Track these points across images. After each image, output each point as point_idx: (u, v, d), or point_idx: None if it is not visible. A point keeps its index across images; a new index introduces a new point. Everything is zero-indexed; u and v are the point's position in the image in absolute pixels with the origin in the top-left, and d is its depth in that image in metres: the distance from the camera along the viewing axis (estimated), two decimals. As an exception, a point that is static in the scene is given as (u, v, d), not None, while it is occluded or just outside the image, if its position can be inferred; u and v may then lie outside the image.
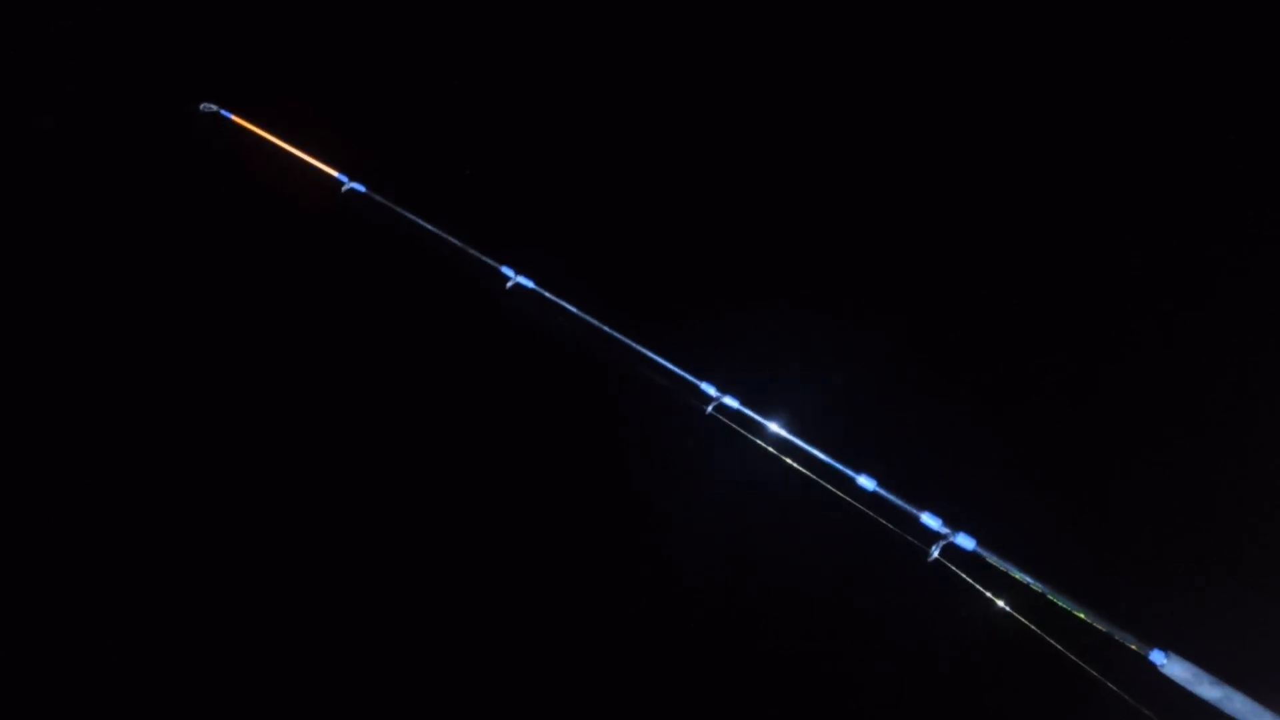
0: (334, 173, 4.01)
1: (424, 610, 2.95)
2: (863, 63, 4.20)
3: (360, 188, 3.96)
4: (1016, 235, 3.41)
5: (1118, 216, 3.45)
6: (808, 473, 3.00)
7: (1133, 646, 2.52)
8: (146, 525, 3.17)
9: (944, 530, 2.79)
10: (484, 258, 3.62)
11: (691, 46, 4.45)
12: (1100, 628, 2.56)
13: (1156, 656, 2.49)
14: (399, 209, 3.82)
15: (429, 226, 3.73)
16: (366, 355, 3.58)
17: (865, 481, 2.91)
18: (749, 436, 3.11)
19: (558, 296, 3.48)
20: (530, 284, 3.53)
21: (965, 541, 2.75)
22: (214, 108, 4.42)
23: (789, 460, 3.04)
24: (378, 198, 3.89)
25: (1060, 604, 2.62)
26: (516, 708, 2.76)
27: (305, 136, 4.13)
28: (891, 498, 2.88)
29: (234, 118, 4.36)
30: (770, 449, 3.08)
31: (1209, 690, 2.44)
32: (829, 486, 2.97)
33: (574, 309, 3.43)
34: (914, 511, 2.83)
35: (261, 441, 3.37)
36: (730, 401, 3.14)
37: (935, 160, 3.71)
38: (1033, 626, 2.64)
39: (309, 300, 3.81)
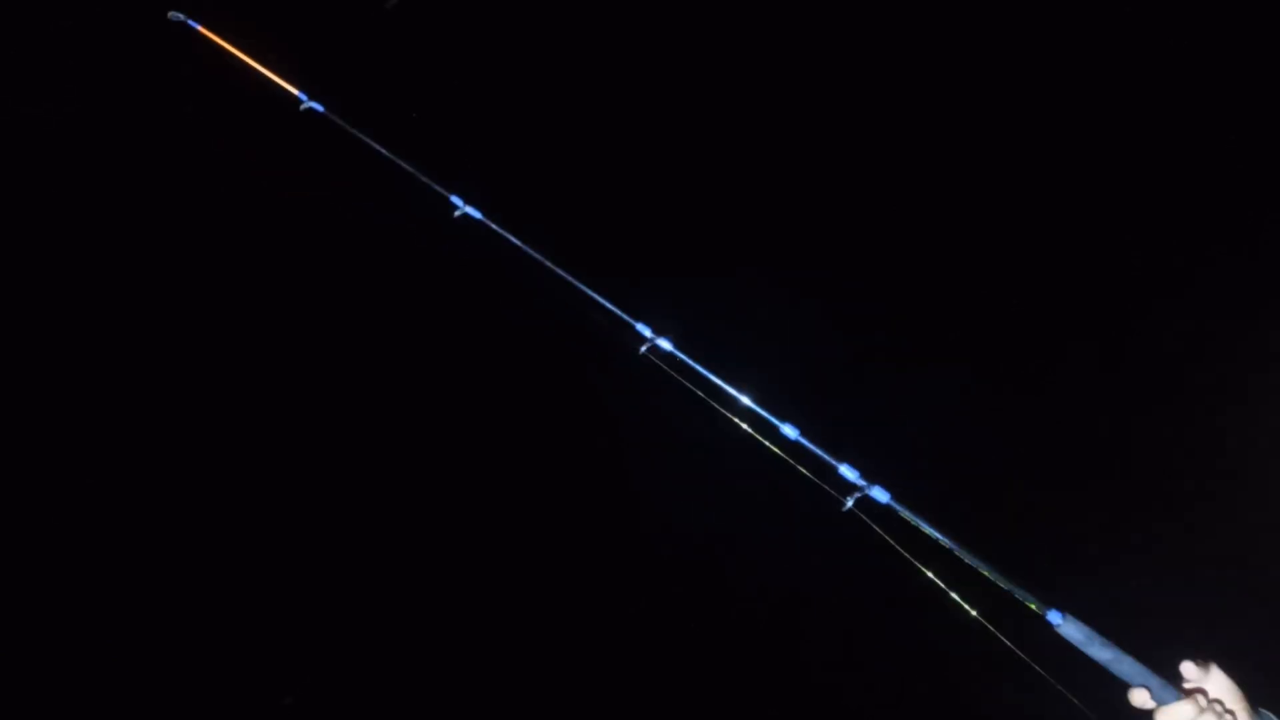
0: (294, 90, 3.96)
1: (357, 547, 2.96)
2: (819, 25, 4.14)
3: (319, 107, 3.91)
4: (955, 196, 3.40)
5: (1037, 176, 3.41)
6: (733, 418, 3.00)
7: (1031, 606, 2.55)
8: (101, 489, 3.15)
9: (860, 482, 2.80)
10: (434, 185, 3.59)
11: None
12: (1001, 585, 2.59)
13: (1053, 616, 2.51)
14: (354, 130, 3.78)
15: (382, 150, 3.70)
16: (313, 278, 3.57)
17: (789, 430, 2.92)
18: (678, 379, 3.11)
19: (506, 230, 3.46)
20: (478, 215, 3.51)
21: (880, 494, 2.77)
22: (181, 17, 4.36)
23: (715, 405, 3.05)
24: (334, 118, 3.84)
25: (965, 560, 2.64)
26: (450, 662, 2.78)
27: (270, 49, 4.07)
28: (812, 447, 2.89)
29: (200, 28, 4.29)
30: (699, 393, 3.08)
31: (1100, 651, 2.47)
32: (752, 433, 2.98)
33: (519, 242, 3.41)
34: (833, 462, 2.84)
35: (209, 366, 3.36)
36: (664, 344, 3.14)
37: (876, 118, 3.69)
38: (935, 579, 2.66)
39: (257, 218, 3.78)
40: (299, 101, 3.87)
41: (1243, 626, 2.40)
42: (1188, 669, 2.38)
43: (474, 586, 2.87)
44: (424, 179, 3.61)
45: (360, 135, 3.76)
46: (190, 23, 4.30)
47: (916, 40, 3.51)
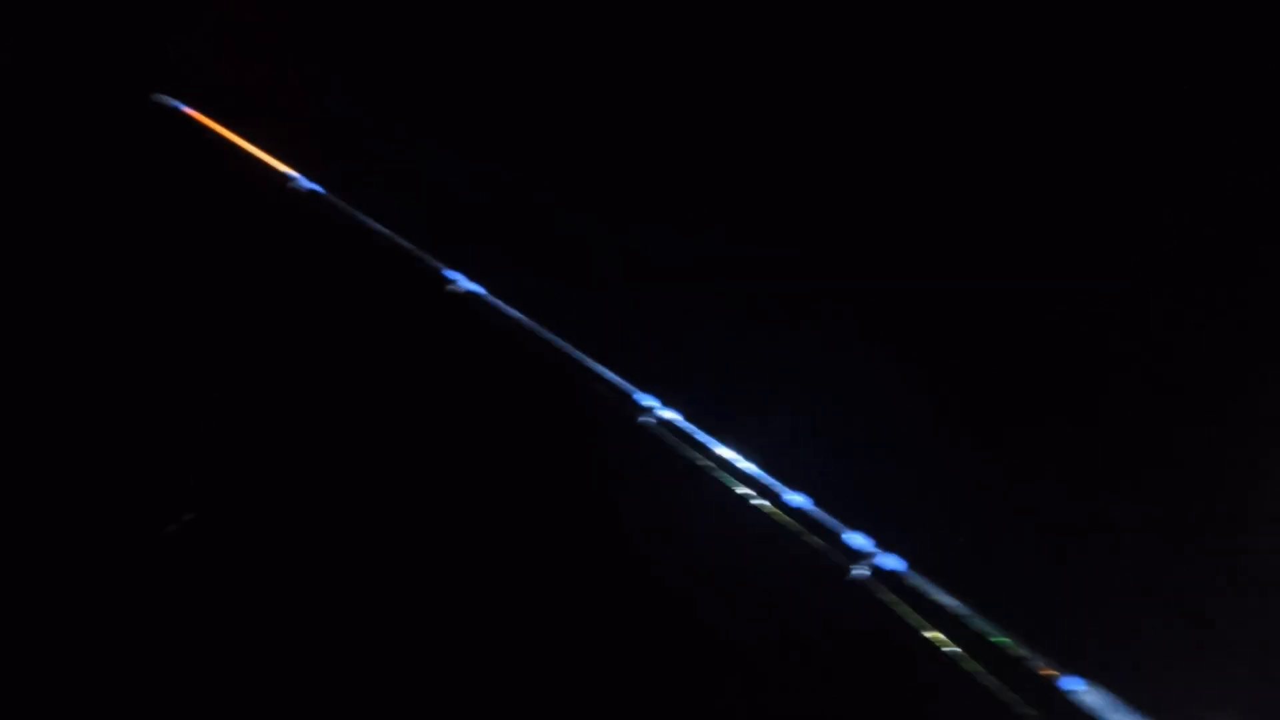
0: (287, 170, 4.01)
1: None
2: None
3: (320, 189, 3.96)
4: (967, 253, 3.36)
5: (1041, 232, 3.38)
6: (741, 488, 2.99)
7: (1049, 672, 2.51)
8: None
9: (872, 550, 2.78)
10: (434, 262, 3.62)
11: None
12: (1019, 652, 2.55)
13: (1073, 684, 2.47)
14: (348, 207, 3.82)
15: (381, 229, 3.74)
16: (312, 353, 3.55)
17: (797, 499, 2.91)
18: (685, 448, 3.10)
19: (505, 302, 3.48)
20: (481, 290, 3.53)
21: (894, 562, 2.74)
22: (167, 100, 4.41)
23: (724, 475, 3.03)
24: (329, 196, 3.89)
25: (982, 628, 2.60)
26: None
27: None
28: (821, 516, 2.87)
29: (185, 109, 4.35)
30: (707, 462, 3.07)
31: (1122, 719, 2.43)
32: (761, 501, 2.96)
33: (520, 315, 3.43)
34: (844, 530, 2.83)
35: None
36: (670, 414, 3.14)
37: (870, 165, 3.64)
38: (953, 646, 2.62)
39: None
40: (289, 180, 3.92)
41: (1264, 687, 2.35)
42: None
43: (467, 654, 2.84)
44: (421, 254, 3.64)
45: (356, 214, 3.80)
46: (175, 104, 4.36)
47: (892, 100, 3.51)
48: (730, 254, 3.35)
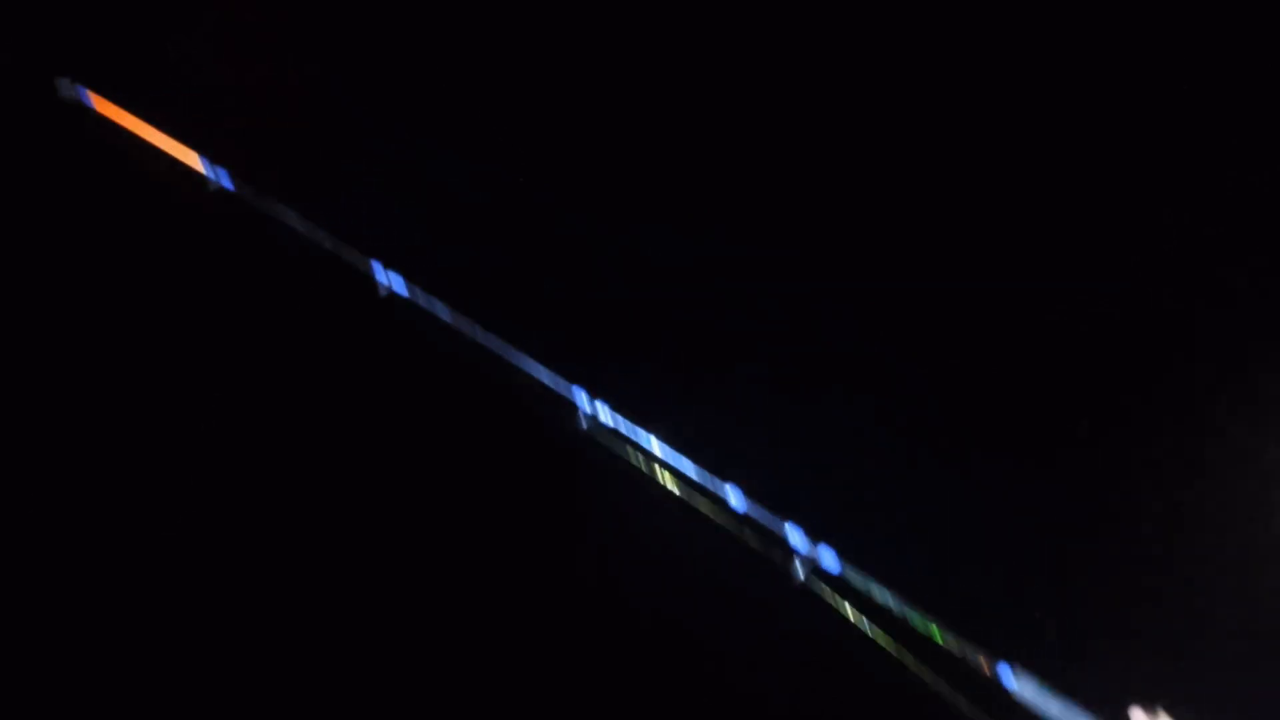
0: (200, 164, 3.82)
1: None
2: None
3: (228, 184, 3.78)
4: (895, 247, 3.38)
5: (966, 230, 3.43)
6: (675, 487, 2.99)
7: (984, 665, 2.60)
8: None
9: (808, 547, 2.82)
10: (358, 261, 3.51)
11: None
12: (953, 644, 2.63)
13: (1006, 675, 2.56)
14: (268, 203, 3.66)
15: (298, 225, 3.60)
16: (226, 362, 3.42)
17: (734, 498, 2.92)
18: (617, 447, 3.09)
19: (431, 295, 3.40)
20: (402, 283, 3.44)
21: (829, 558, 2.79)
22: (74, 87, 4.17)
23: (658, 471, 3.03)
24: (246, 192, 3.72)
25: (915, 620, 2.67)
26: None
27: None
28: (759, 514, 2.89)
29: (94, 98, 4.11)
30: (639, 460, 3.07)
31: (1054, 708, 2.53)
32: (697, 501, 2.97)
33: (447, 310, 3.35)
34: (780, 528, 2.86)
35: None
36: (600, 409, 3.12)
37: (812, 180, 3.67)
38: (887, 641, 2.69)
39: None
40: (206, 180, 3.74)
41: (1190, 674, 2.47)
42: (1137, 717, 2.45)
43: (407, 662, 2.83)
44: (348, 257, 3.52)
45: (275, 212, 3.65)
46: (82, 91, 4.12)
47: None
48: (730, 254, 3.31)
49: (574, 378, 3.21)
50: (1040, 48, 3.05)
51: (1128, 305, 2.99)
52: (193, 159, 3.77)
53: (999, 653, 2.61)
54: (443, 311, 3.37)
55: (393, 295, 3.40)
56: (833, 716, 2.70)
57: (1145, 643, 2.54)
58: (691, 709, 2.74)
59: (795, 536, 2.85)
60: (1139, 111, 3.00)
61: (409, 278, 3.43)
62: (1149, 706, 2.43)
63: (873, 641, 2.71)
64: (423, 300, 3.37)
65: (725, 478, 2.99)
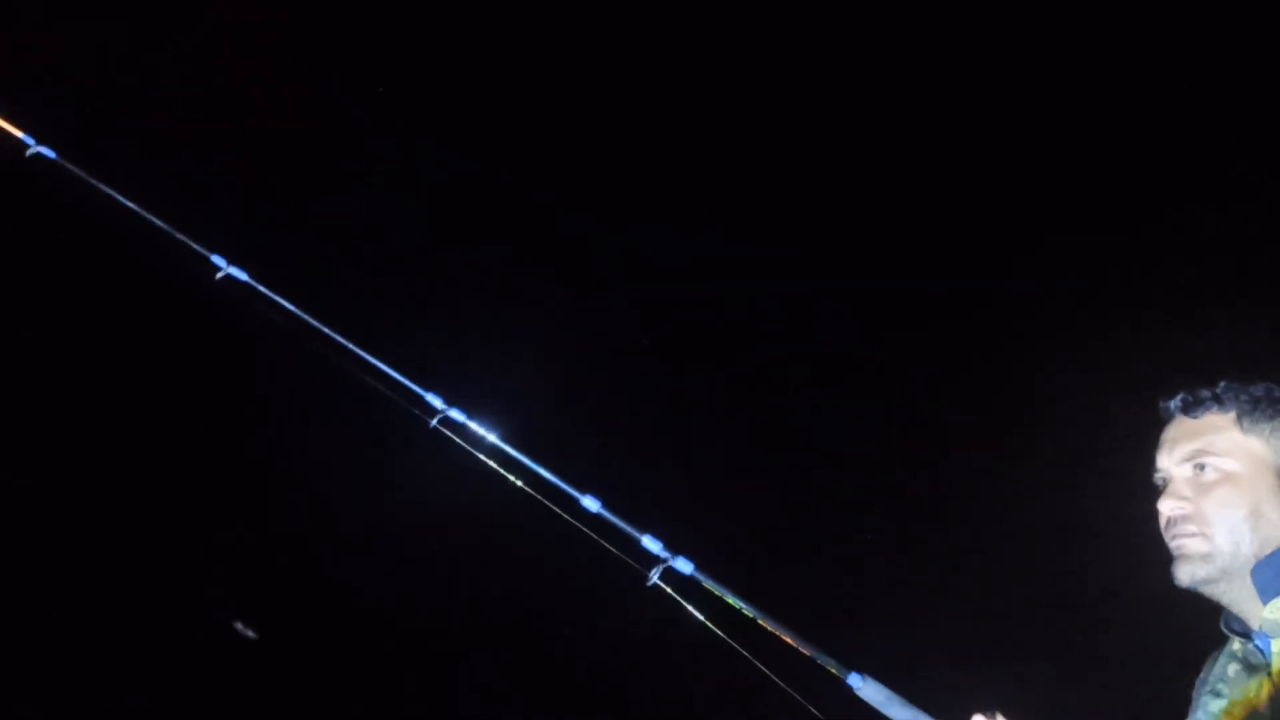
0: (18, 133, 3.50)
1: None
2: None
3: (50, 153, 3.48)
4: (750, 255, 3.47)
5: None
6: (532, 492, 2.91)
7: (832, 670, 2.61)
8: None
9: (664, 554, 2.78)
10: (193, 243, 3.27)
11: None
12: (804, 651, 2.63)
13: (853, 680, 2.59)
14: (93, 181, 3.38)
15: (129, 203, 3.33)
16: (52, 348, 3.13)
17: (589, 503, 2.86)
18: (474, 452, 2.98)
19: (275, 292, 3.20)
20: (244, 276, 3.22)
21: (684, 565, 2.76)
22: None
23: (514, 478, 2.94)
24: (70, 166, 3.43)
25: (768, 627, 2.67)
26: None
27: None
28: (614, 519, 2.84)
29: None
30: (495, 466, 2.96)
31: (899, 711, 2.56)
32: (553, 507, 2.89)
33: (292, 307, 3.17)
34: (636, 534, 2.81)
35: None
36: (456, 415, 3.00)
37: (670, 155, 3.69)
38: (740, 649, 2.67)
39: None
40: (24, 146, 3.42)
41: (1028, 678, 2.56)
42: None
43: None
44: (181, 237, 3.28)
45: (101, 186, 3.37)
46: (-117, 48, 3.72)
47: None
48: (730, 254, 3.27)
49: (428, 382, 3.09)
50: (1040, 50, 3.22)
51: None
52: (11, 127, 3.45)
53: (848, 660, 2.63)
54: (287, 304, 3.18)
55: (231, 280, 3.19)
56: (684, 708, 2.65)
57: (988, 646, 2.63)
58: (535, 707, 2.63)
59: (650, 543, 2.81)
60: (1137, 112, 3.18)
61: (250, 269, 3.22)
62: (989, 710, 2.49)
63: (721, 642, 2.69)
64: (267, 290, 3.17)
65: (583, 489, 2.92)
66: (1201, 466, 2.29)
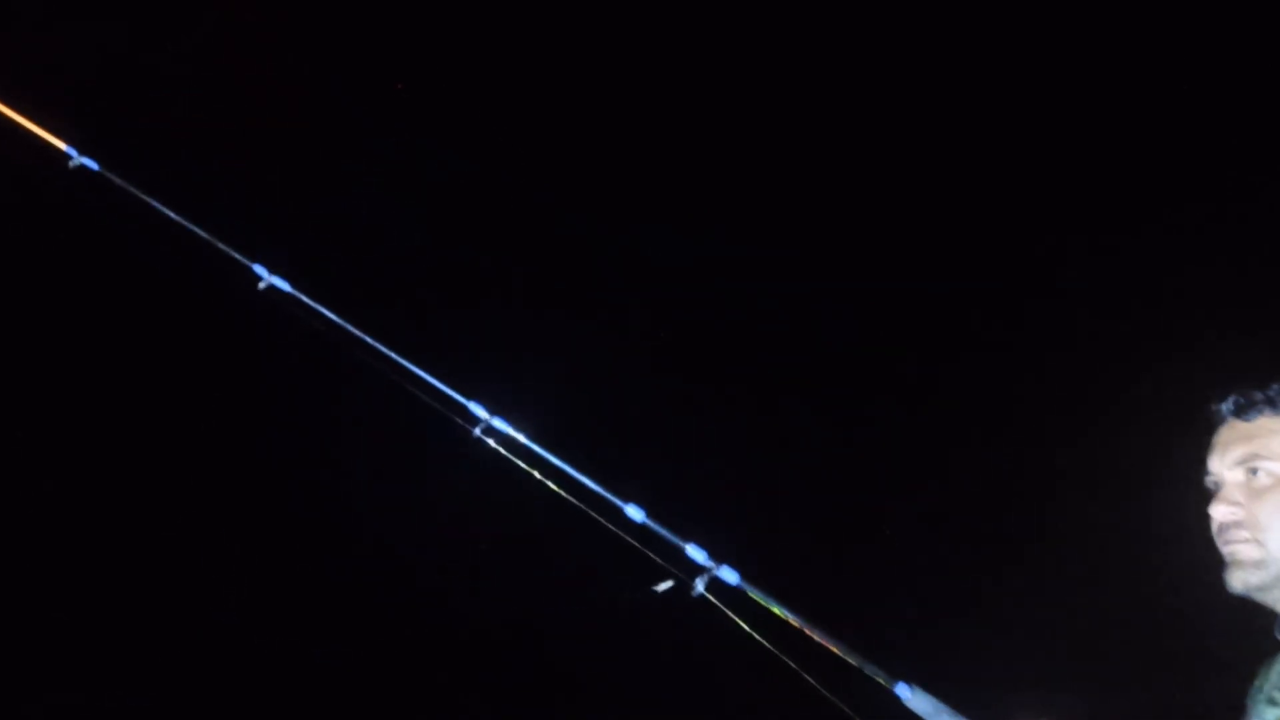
0: (61, 145, 3.53)
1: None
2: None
3: (93, 164, 3.50)
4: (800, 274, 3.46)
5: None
6: (577, 502, 2.91)
7: (880, 680, 2.60)
8: None
9: (709, 563, 2.78)
10: (233, 253, 3.29)
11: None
12: (851, 661, 2.62)
13: (901, 690, 2.57)
14: (137, 191, 3.41)
15: (171, 214, 3.36)
16: (97, 358, 3.16)
17: (633, 512, 2.85)
18: (517, 462, 2.98)
19: (316, 301, 3.21)
20: (286, 286, 3.24)
21: (729, 575, 2.75)
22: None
23: (556, 488, 2.94)
24: (112, 177, 3.45)
25: (815, 637, 2.66)
26: None
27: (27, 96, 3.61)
28: (659, 529, 2.84)
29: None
30: (540, 476, 2.97)
31: (948, 724, 2.55)
32: (598, 518, 2.89)
33: (334, 316, 3.18)
34: (680, 544, 2.80)
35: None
36: (499, 424, 3.00)
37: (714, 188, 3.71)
38: (789, 661, 2.67)
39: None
40: (67, 158, 3.45)
41: (1078, 686, 2.54)
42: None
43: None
44: (223, 247, 3.30)
45: (143, 196, 3.39)
46: (-73, 62, 3.75)
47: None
48: (730, 254, 3.26)
49: (471, 391, 3.09)
50: (1040, 52, 3.19)
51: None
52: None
53: (898, 671, 2.62)
54: (329, 313, 3.19)
55: (274, 290, 3.20)
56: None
57: (1040, 657, 2.61)
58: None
59: (695, 552, 2.80)
60: (1137, 112, 3.14)
61: (292, 278, 3.24)
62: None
63: (768, 653, 2.68)
64: (308, 299, 3.18)
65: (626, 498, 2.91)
66: (1254, 470, 2.25)
